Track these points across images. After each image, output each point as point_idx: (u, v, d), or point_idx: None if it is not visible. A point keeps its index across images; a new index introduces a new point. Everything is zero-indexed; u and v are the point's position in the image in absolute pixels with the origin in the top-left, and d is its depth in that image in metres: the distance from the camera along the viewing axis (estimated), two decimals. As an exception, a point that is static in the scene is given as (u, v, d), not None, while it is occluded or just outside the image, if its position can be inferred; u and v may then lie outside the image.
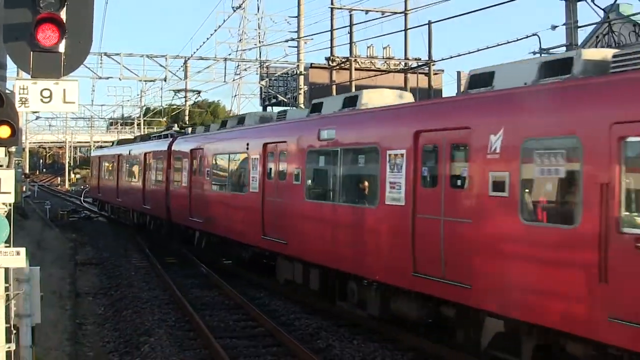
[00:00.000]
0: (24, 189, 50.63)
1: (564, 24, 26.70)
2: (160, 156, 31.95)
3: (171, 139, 31.62)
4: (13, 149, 9.00)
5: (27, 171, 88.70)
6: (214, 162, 25.33)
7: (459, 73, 38.54)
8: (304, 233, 17.88)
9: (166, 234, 31.81)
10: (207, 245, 26.55)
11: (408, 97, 17.76)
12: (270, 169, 20.03)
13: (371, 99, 16.74)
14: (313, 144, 17.50)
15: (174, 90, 46.34)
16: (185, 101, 69.52)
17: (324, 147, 17.04)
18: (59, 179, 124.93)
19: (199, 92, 51.00)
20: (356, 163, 16.39)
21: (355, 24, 40.73)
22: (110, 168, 44.61)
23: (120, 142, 47.88)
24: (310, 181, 17.96)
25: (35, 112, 63.71)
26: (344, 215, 16.00)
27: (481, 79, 13.01)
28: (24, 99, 8.48)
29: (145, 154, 35.09)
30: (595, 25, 28.54)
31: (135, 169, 37.22)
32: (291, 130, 19.50)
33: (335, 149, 16.55)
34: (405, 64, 45.84)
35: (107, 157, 46.44)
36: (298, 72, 48.33)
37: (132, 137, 53.85)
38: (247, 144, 21.80)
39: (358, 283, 15.85)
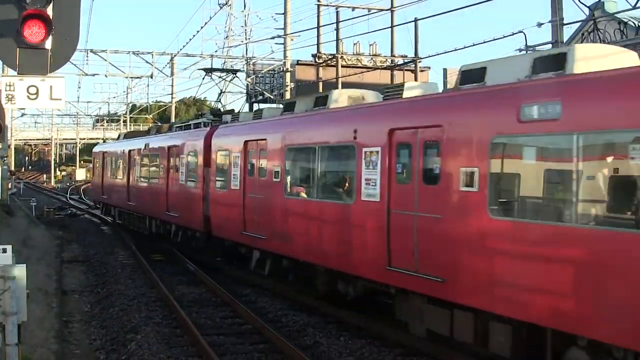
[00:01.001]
0: (10, 186, 50.43)
1: (549, 21, 26.78)
2: (193, 151, 25.59)
3: (208, 129, 24.85)
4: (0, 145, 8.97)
5: (12, 168, 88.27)
6: (290, 158, 18.62)
7: (445, 70, 38.61)
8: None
9: (202, 249, 25.60)
10: (275, 270, 19.79)
11: (372, 97, 17.77)
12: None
13: (338, 99, 17.74)
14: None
15: (204, 70, 35.30)
16: (172, 98, 69.26)
17: None
18: (44, 176, 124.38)
19: (235, 71, 37.07)
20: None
21: (342, 20, 40.77)
22: (118, 166, 37.46)
23: (129, 135, 40.36)
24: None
25: (22, 108, 63.49)
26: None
27: (473, 75, 13.02)
28: (10, 96, 8.45)
29: (168, 148, 28.42)
30: (580, 23, 28.65)
31: (155, 167, 30.64)
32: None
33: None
34: (392, 61, 45.92)
35: (114, 153, 38.80)
36: (284, 69, 48.29)
37: (144, 129, 46.72)
38: (355, 131, 15.52)
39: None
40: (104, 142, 57.97)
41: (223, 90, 35.61)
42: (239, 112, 26.45)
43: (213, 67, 43.11)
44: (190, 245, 26.37)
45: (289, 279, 19.31)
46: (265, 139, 19.62)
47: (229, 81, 34.05)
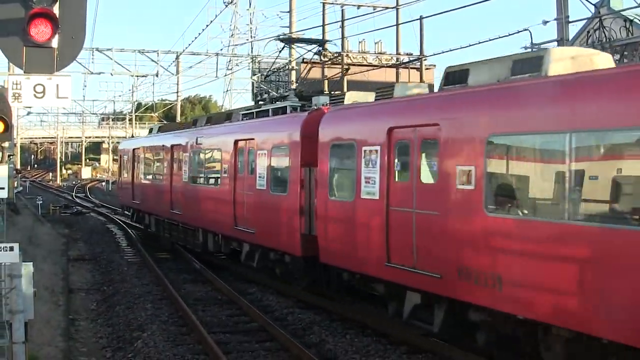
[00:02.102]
0: (16, 185, 50.56)
1: (555, 19, 26.76)
2: (281, 145, 19.07)
3: (305, 115, 18.46)
4: (6, 144, 8.99)
5: (18, 167, 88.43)
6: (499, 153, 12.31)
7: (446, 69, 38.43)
8: None
9: (295, 277, 19.17)
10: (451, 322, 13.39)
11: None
12: None
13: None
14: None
15: (283, 40, 28.07)
16: (177, 97, 69.35)
17: None
18: (50, 174, 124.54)
19: (321, 42, 28.32)
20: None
21: (347, 19, 40.72)
22: (156, 165, 31.21)
23: (166, 129, 33.38)
24: None
25: (28, 107, 63.51)
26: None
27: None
28: (17, 94, 8.46)
29: (236, 142, 21.78)
30: (586, 21, 28.61)
31: (213, 167, 24.44)
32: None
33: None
34: (397, 59, 45.87)
35: (150, 150, 32.30)
36: (290, 67, 48.27)
37: (188, 121, 37.88)
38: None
39: None
40: (132, 137, 51.31)
41: (307, 60, 30.48)
42: (343, 94, 19.35)
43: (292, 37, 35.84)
44: (272, 271, 20.46)
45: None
46: (437, 125, 13.12)
47: (315, 53, 26.97)
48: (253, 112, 22.36)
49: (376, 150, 14.69)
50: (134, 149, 34.69)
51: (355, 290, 17.29)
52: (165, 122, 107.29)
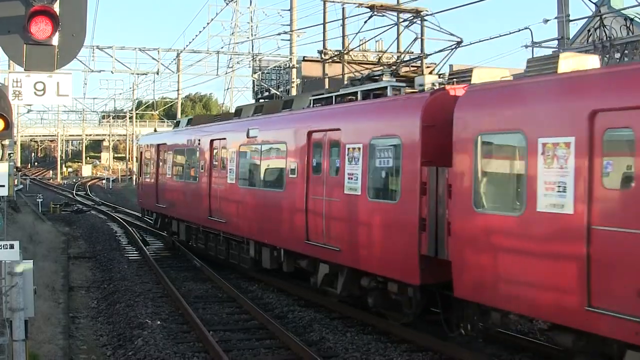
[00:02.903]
0: (16, 183, 50.58)
1: (555, 18, 26.77)
2: (385, 137, 14.77)
3: (426, 97, 13.95)
4: (6, 141, 8.99)
5: (19, 165, 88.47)
6: None
7: (451, 67, 38.51)
8: None
9: (408, 312, 14.60)
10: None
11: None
12: None
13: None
14: None
15: (371, 7, 20.26)
16: (178, 94, 69.40)
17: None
18: (51, 172, 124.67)
19: (416, 13, 21.01)
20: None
21: (348, 17, 40.69)
22: (189, 163, 26.46)
23: (199, 121, 27.82)
24: None
25: (29, 104, 63.49)
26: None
27: (179, 123, 19.95)
28: (17, 92, 8.46)
29: (309, 135, 17.30)
30: (586, 19, 28.62)
31: (274, 166, 19.74)
32: None
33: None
34: (398, 57, 45.82)
35: (182, 145, 27.31)
36: (290, 65, 48.29)
37: (227, 112, 33.92)
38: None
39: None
40: (155, 131, 43.37)
41: (399, 33, 27.54)
42: (471, 69, 14.52)
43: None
44: (358, 300, 16.30)
45: None
46: None
47: (405, 27, 21.66)
48: (331, 97, 17.69)
49: (565, 144, 10.49)
50: (158, 145, 30.05)
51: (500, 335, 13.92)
52: (166, 119, 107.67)
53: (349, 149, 15.60)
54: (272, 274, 20.40)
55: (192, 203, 25.06)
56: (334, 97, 17.55)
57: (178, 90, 68.14)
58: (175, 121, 35.12)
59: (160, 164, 29.67)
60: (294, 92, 46.32)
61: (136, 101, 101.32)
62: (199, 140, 24.77)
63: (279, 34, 50.69)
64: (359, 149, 15.26)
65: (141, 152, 34.40)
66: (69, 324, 16.51)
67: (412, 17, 20.32)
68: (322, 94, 18.36)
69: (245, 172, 21.17)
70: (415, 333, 14.55)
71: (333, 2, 42.90)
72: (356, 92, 16.60)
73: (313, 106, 18.25)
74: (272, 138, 19.64)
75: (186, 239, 26.89)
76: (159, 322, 16.02)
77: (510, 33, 28.00)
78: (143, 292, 19.79)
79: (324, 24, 42.15)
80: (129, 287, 20.30)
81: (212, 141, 23.48)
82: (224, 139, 22.48)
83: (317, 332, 15.33)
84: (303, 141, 17.51)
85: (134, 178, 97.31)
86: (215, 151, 23.24)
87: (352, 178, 15.46)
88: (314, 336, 15.06)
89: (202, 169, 24.16)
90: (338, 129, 16.05)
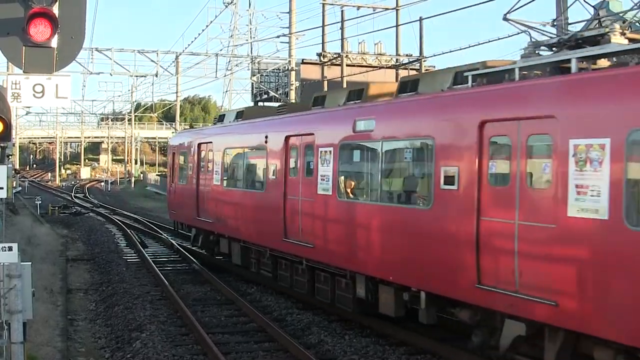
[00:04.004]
0: (15, 185, 50.59)
1: (554, 20, 26.76)
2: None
3: None
4: (5, 144, 8.99)
5: (17, 167, 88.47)
6: None
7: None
8: None
9: None
10: None
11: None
12: None
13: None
14: None
15: None
16: (177, 97, 69.44)
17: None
18: (49, 174, 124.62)
19: None
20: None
21: (347, 20, 40.77)
22: (248, 168, 21.75)
23: (253, 114, 22.72)
24: None
25: (28, 106, 63.51)
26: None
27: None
28: (16, 94, 8.46)
29: (483, 125, 11.83)
30: (585, 22, 28.62)
31: (410, 173, 14.96)
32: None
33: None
34: (397, 60, 45.91)
35: (239, 145, 22.37)
36: (289, 68, 48.30)
37: (295, 103, 29.16)
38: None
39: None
40: (191, 127, 38.30)
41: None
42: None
43: None
44: None
45: None
46: None
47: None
48: (503, 71, 12.48)
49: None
50: (200, 144, 25.00)
51: None
52: (165, 122, 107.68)
53: (579, 150, 10.06)
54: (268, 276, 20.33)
55: (256, 218, 20.20)
56: (520, 71, 12.08)
57: (177, 92, 68.21)
58: (218, 115, 29.52)
59: (203, 167, 24.49)
60: (292, 95, 46.32)
61: (135, 103, 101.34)
62: (267, 137, 19.52)
63: (278, 37, 50.75)
64: (604, 148, 9.71)
65: (173, 154, 28.82)
66: (67, 327, 16.49)
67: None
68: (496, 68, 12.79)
69: (350, 180, 16.07)
70: (414, 335, 14.55)
71: (332, 4, 42.97)
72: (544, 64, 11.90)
73: (472, 86, 12.85)
74: (407, 131, 14.25)
75: (242, 263, 21.68)
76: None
77: (510, 36, 28.05)
78: (141, 294, 19.77)
79: (323, 26, 42.20)
80: (127, 290, 20.28)
81: (288, 138, 18.32)
82: (310, 134, 17.22)
83: (315, 334, 15.32)
84: (470, 136, 12.06)
85: (132, 180, 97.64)
86: (293, 151, 18.17)
87: (596, 193, 9.83)
88: (312, 339, 15.06)
89: (273, 174, 18.96)
90: (551, 116, 10.51)
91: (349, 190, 15.91)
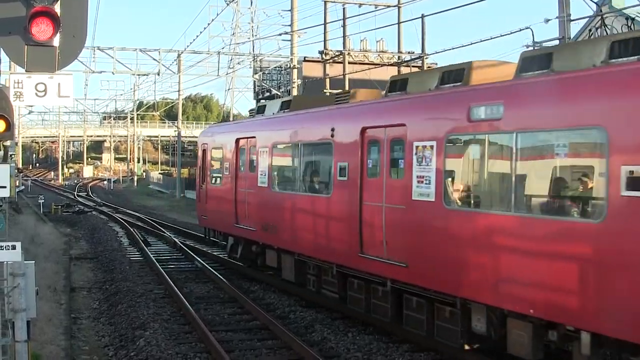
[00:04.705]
0: (18, 184, 50.65)
1: (557, 17, 26.74)
2: None
3: None
4: (8, 143, 9.00)
5: (20, 166, 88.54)
6: None
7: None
8: None
9: None
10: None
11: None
12: None
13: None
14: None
15: None
16: (179, 95, 69.44)
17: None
18: (52, 173, 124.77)
19: None
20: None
21: (349, 17, 40.76)
22: (306, 169, 18.59)
23: (303, 104, 19.96)
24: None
25: (30, 105, 63.54)
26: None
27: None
28: (18, 93, 8.47)
29: None
30: (587, 19, 28.60)
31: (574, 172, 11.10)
32: None
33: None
34: (399, 57, 45.90)
35: (292, 140, 19.12)
36: (291, 65, 48.30)
37: (370, 90, 20.15)
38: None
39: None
40: (229, 118, 34.80)
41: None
42: None
43: None
44: None
45: None
46: None
47: None
48: None
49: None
50: (239, 140, 22.06)
51: None
52: (167, 120, 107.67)
53: None
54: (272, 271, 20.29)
55: (319, 228, 17.32)
56: None
57: (179, 91, 68.15)
58: (257, 106, 25.45)
59: (244, 166, 21.67)
60: (294, 92, 46.35)
61: (137, 102, 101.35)
62: (333, 130, 16.45)
63: (280, 35, 50.77)
64: None
65: (204, 151, 25.52)
66: (71, 325, 16.51)
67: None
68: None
69: (464, 183, 13.05)
70: (417, 333, 14.54)
71: (334, 2, 42.99)
72: None
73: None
74: (562, 119, 10.71)
75: (296, 280, 18.66)
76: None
77: (512, 33, 28.01)
78: (145, 292, 19.79)
79: (325, 24, 42.21)
80: (130, 288, 20.31)
81: (365, 130, 15.23)
82: (399, 125, 14.04)
83: (318, 332, 15.33)
84: None
85: (135, 179, 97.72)
86: (372, 147, 15.18)
87: None
88: (316, 336, 15.07)
89: (342, 175, 15.92)
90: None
91: (461, 196, 12.72)
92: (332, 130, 16.43)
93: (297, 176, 18.62)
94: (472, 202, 12.56)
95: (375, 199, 14.64)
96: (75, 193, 70.93)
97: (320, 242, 17.09)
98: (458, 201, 12.76)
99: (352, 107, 16.86)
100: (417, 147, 13.32)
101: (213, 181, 24.50)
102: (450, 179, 12.80)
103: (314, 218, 17.49)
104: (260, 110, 22.51)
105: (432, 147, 12.95)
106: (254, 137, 20.95)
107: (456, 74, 13.70)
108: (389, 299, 14.70)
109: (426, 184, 13.07)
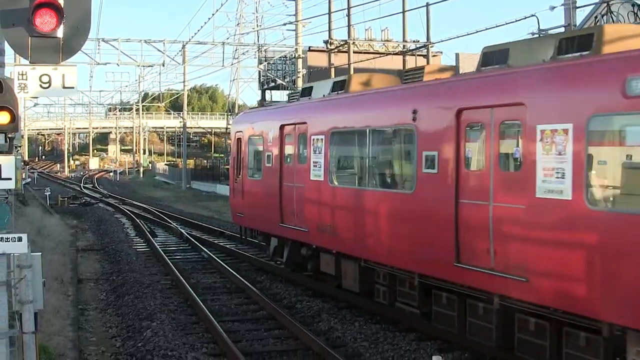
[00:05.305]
0: (24, 176, 50.73)
1: (562, 5, 26.64)
2: None
3: None
4: (13, 135, 8.99)
5: (26, 158, 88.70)
6: None
7: (457, 55, 38.53)
8: None
9: None
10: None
11: None
12: None
13: None
14: None
15: None
16: (184, 86, 69.45)
17: None
18: (58, 165, 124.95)
19: None
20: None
21: (354, 6, 40.67)
22: (377, 159, 15.99)
23: (364, 82, 17.77)
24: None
25: (35, 97, 63.77)
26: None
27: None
28: (23, 85, 8.47)
29: None
30: (593, 6, 28.46)
31: None
32: None
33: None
34: (404, 46, 45.78)
35: (358, 127, 15.97)
36: (296, 55, 48.23)
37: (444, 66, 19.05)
38: None
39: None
40: (234, 109, 32.19)
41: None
42: None
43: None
44: None
45: None
46: None
47: None
48: None
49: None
50: (284, 126, 19.34)
51: None
52: (172, 111, 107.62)
53: None
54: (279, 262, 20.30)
55: (396, 231, 14.40)
56: None
57: (184, 81, 68.18)
58: (301, 89, 21.71)
59: (291, 157, 19.10)
60: (299, 82, 46.29)
61: (142, 93, 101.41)
62: (415, 112, 13.57)
63: (285, 25, 50.77)
64: None
65: (238, 140, 22.81)
66: (78, 316, 16.54)
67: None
68: None
69: (620, 177, 10.30)
70: (424, 322, 14.53)
71: (338, -9, 42.86)
72: None
73: None
74: None
75: (361, 289, 16.24)
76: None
77: (517, 20, 27.88)
78: (152, 283, 19.82)
79: (329, 13, 42.10)
80: (137, 279, 20.34)
81: (461, 112, 12.44)
82: (515, 105, 11.38)
83: (325, 321, 15.34)
84: None
85: (141, 170, 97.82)
86: (473, 131, 12.46)
87: None
88: (323, 326, 15.08)
89: (430, 167, 13.11)
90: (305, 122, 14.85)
91: (612, 194, 10.27)
92: (414, 112, 13.53)
93: (365, 168, 15.81)
94: (629, 201, 9.81)
95: (478, 196, 11.92)
96: (82, 185, 71.03)
97: (396, 247, 14.29)
98: (607, 200, 10.20)
99: (442, 83, 13.89)
100: (542, 131, 10.66)
101: (251, 174, 21.74)
102: (594, 172, 10.21)
103: (389, 218, 14.60)
104: (306, 92, 19.68)
105: (566, 131, 10.26)
106: (304, 122, 18.10)
107: (581, 43, 11.14)
108: (494, 319, 12.10)
109: (558, 177, 10.36)
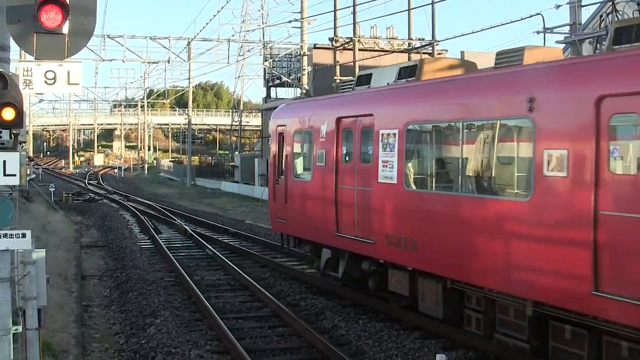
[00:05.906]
0: (28, 172, 50.75)
1: (567, 3, 26.58)
2: None
3: None
4: (18, 131, 8.98)
5: (31, 154, 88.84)
6: None
7: (462, 53, 38.52)
8: None
9: None
10: None
11: None
12: None
13: None
14: None
15: None
16: (189, 83, 69.48)
17: None
18: (63, 161, 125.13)
19: None
20: None
21: (359, 4, 40.62)
22: (476, 162, 12.56)
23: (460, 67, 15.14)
24: None
25: (40, 93, 63.78)
26: None
27: (363, 79, 16.20)
28: (28, 81, 8.46)
29: None
30: (599, 4, 28.41)
31: None
32: None
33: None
34: (409, 44, 45.74)
35: (445, 120, 13.51)
36: (302, 52, 48.20)
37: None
38: None
39: None
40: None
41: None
42: None
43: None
44: None
45: None
46: None
47: None
48: None
49: None
50: (340, 119, 16.65)
51: None
52: (177, 108, 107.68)
53: None
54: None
55: (500, 247, 11.56)
56: None
57: (189, 78, 68.20)
58: (356, 78, 17.87)
59: (350, 155, 16.37)
60: (304, 80, 46.26)
61: (147, 90, 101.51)
62: (532, 101, 10.95)
63: (290, 22, 50.63)
64: None
65: (280, 135, 19.97)
66: (82, 313, 16.55)
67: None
68: None
69: None
70: (428, 320, 14.51)
71: (344, -11, 42.80)
72: None
73: None
74: None
75: (445, 315, 13.60)
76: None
77: (522, 19, 27.87)
78: (155, 280, 19.82)
79: (335, 11, 42.07)
80: (141, 276, 20.34)
81: (601, 100, 9.77)
82: None
83: (329, 319, 15.32)
84: None
85: (146, 167, 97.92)
86: (619, 126, 9.92)
87: None
88: (327, 323, 15.06)
89: (555, 169, 10.44)
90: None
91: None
92: (530, 101, 10.93)
93: (457, 170, 13.11)
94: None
95: (629, 207, 9.34)
96: (86, 181, 71.14)
97: (501, 267, 11.54)
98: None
99: (566, 65, 11.50)
100: None
101: (297, 175, 19.00)
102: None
103: (493, 232, 11.75)
104: (363, 80, 16.97)
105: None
106: (370, 115, 15.36)
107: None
108: None
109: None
